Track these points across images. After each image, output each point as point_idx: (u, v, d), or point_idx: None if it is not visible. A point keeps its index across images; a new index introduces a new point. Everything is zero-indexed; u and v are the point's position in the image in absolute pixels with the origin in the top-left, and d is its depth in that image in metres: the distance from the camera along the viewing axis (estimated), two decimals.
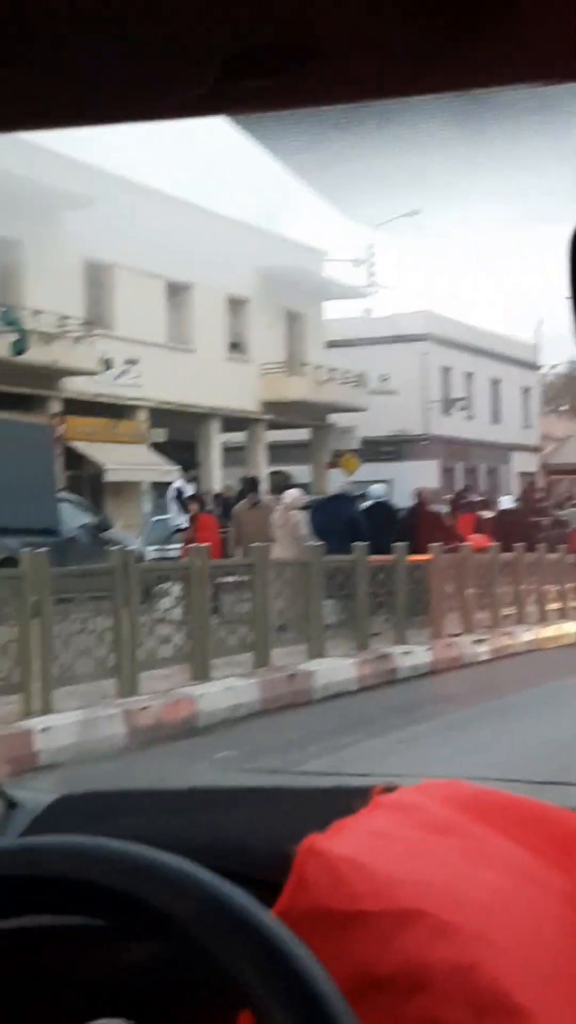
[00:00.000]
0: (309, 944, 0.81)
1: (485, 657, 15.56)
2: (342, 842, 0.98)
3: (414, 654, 14.46)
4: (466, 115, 0.84)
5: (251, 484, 25.69)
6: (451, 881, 0.95)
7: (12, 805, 1.36)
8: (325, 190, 0.96)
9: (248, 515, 15.61)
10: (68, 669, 10.06)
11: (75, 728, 9.21)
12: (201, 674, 11.41)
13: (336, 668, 12.88)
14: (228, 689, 11.19)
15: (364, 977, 0.90)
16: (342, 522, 16.09)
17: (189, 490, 16.62)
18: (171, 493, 17.58)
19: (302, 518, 16.25)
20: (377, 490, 18.79)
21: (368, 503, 17.88)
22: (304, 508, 16.64)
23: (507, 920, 0.93)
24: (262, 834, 1.14)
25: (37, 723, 9.08)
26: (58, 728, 9.05)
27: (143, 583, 10.98)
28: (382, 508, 18.37)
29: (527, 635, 17.21)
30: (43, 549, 9.98)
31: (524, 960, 0.90)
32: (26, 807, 1.35)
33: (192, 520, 15.64)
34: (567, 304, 0.85)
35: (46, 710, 9.50)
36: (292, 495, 17.04)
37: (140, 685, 10.64)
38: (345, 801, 1.06)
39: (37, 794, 1.39)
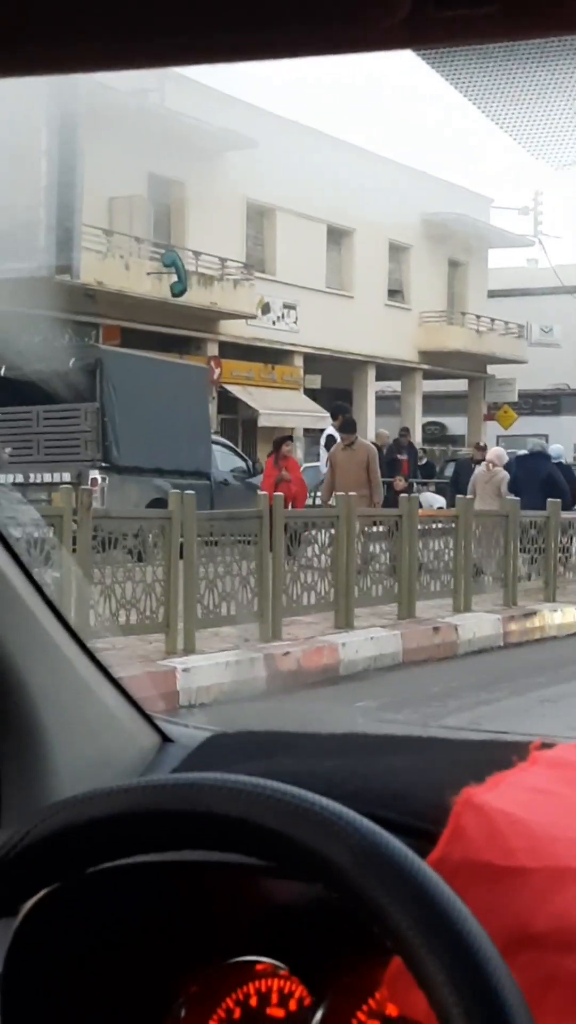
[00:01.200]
0: (463, 895, 0.81)
1: None
2: (500, 796, 0.97)
3: (561, 612, 14.17)
4: None
5: (404, 433, 25.55)
6: None
7: (167, 740, 1.37)
8: (512, 128, 0.91)
9: (343, 456, 15.31)
10: (212, 611, 10.08)
11: (217, 669, 9.23)
12: (344, 622, 11.34)
13: (482, 623, 12.69)
14: (371, 639, 11.09)
15: (518, 933, 0.89)
16: (540, 479, 16.94)
17: (339, 437, 16.44)
18: (322, 440, 17.46)
19: (505, 475, 16.89)
20: (558, 448, 19.44)
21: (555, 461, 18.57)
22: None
23: None
24: (418, 783, 1.11)
25: (179, 662, 9.12)
26: (200, 668, 9.08)
27: (289, 529, 10.91)
28: (565, 467, 18.95)
29: None
30: (191, 492, 9.97)
31: None
32: (180, 742, 1.36)
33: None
34: None
35: (189, 650, 9.54)
36: (496, 452, 17.74)
37: (283, 631, 10.62)
38: (503, 754, 1.05)
39: (191, 730, 1.39)
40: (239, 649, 9.90)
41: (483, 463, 17.63)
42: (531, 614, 13.79)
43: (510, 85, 0.84)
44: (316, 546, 11.67)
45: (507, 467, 17.36)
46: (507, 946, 0.83)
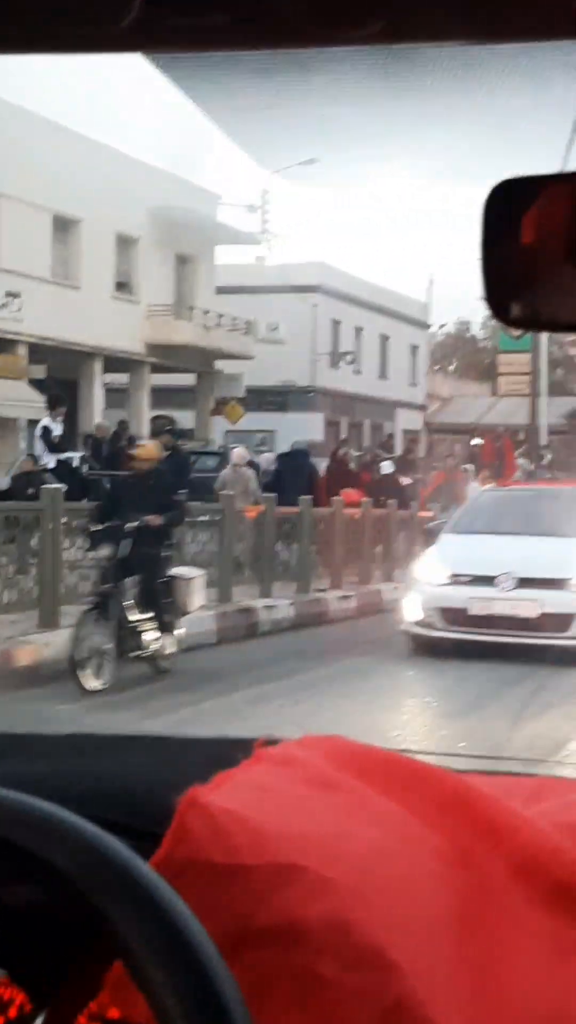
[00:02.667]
0: (186, 896, 0.81)
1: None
2: (224, 794, 0.98)
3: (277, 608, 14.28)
4: (388, 70, 0.83)
5: (123, 427, 25.30)
6: (329, 836, 0.96)
7: None
8: (236, 133, 1.08)
9: None
10: None
11: None
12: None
13: (198, 620, 12.61)
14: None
15: (241, 931, 0.90)
16: (303, 475, 18.00)
17: (57, 429, 16.07)
18: (37, 431, 17.01)
19: (252, 474, 17.64)
20: (301, 442, 20.27)
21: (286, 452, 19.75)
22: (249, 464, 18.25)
23: (383, 877, 0.94)
24: (143, 783, 1.12)
25: None
26: None
27: None
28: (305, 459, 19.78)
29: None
30: None
31: (399, 917, 0.91)
32: None
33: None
34: (477, 263, 0.87)
35: None
36: (239, 453, 18.50)
37: None
38: (228, 752, 1.06)
39: None
40: None
41: (229, 465, 18.35)
42: (245, 610, 13.83)
43: (235, 93, 0.86)
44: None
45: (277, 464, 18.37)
46: (230, 945, 0.84)
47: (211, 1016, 0.76)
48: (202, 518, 14.04)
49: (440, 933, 0.92)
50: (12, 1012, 1.13)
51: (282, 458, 19.19)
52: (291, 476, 17.73)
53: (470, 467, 25.28)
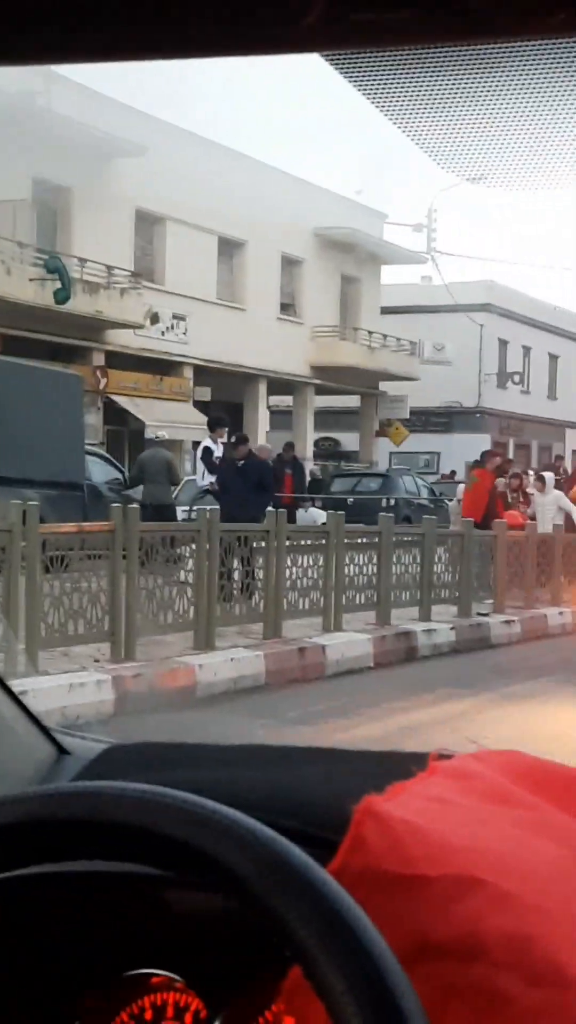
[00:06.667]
0: (364, 905, 0.80)
1: None
2: (400, 805, 0.97)
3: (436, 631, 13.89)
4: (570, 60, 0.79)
5: (288, 448, 25.19)
6: (508, 850, 0.94)
7: (63, 752, 1.35)
8: (416, 135, 0.91)
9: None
10: (57, 630, 9.59)
11: (59, 692, 8.73)
12: (205, 643, 10.90)
13: (352, 643, 12.33)
14: (231, 660, 10.67)
15: (419, 942, 0.89)
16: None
17: (217, 450, 15.98)
18: (198, 453, 16.96)
19: None
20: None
21: None
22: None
23: (563, 892, 0.92)
24: (319, 793, 1.13)
25: (16, 684, 8.59)
26: (40, 691, 8.56)
27: (145, 544, 10.42)
28: None
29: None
30: (34, 503, 9.41)
31: None
32: (76, 754, 1.34)
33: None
34: None
35: (31, 672, 9.03)
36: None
37: (138, 650, 10.15)
38: (402, 765, 1.05)
39: (88, 742, 1.37)
40: (87, 670, 9.39)
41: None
42: (404, 634, 13.47)
43: (419, 92, 0.83)
44: (176, 562, 11.21)
45: None
46: (407, 956, 0.82)
47: None
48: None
49: None
50: (187, 1018, 1.15)
51: None
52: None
53: None
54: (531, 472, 21.80)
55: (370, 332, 35.93)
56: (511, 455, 37.54)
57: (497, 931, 0.88)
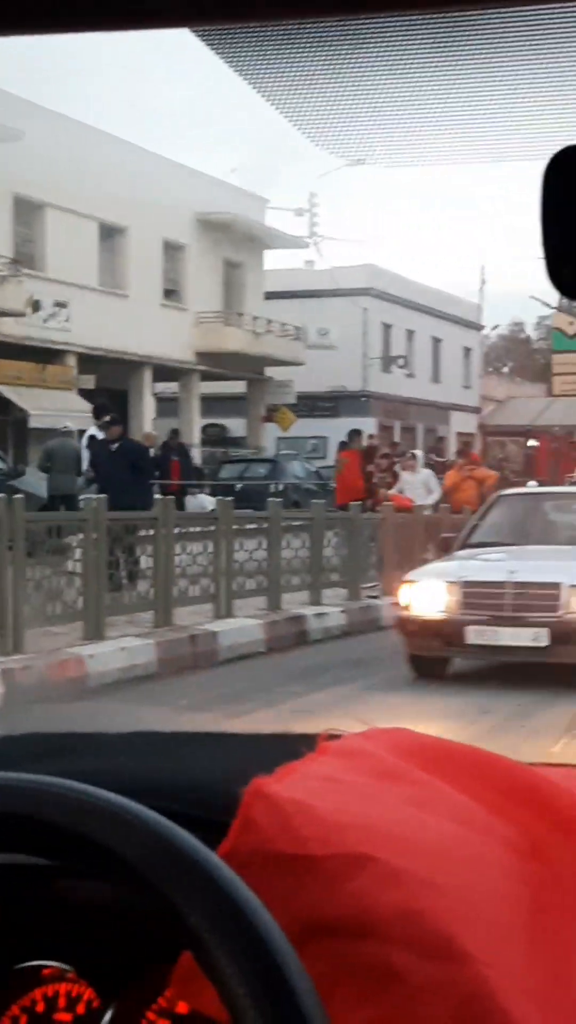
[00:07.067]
0: (254, 886, 0.80)
1: None
2: (289, 785, 0.97)
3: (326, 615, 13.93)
4: (445, 38, 0.79)
5: (174, 435, 25.06)
6: (398, 827, 0.94)
7: None
8: (288, 112, 0.90)
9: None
10: None
11: None
12: (95, 633, 10.78)
13: (244, 629, 12.29)
14: (122, 649, 10.56)
15: (311, 921, 0.89)
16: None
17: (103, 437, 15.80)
18: (83, 441, 16.75)
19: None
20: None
21: None
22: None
23: (453, 866, 0.92)
24: (208, 776, 1.13)
25: None
26: None
27: (33, 534, 10.26)
28: None
29: None
30: None
31: (469, 906, 0.90)
32: None
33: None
34: (538, 240, 0.88)
35: None
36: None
37: (26, 643, 10.00)
38: (292, 746, 1.05)
39: None
40: None
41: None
42: (295, 618, 13.48)
43: (294, 70, 0.82)
44: (63, 552, 11.05)
45: None
46: (298, 936, 0.83)
47: (283, 1006, 0.75)
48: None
49: (513, 924, 0.91)
50: (80, 1008, 1.14)
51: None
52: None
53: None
54: (414, 453, 21.80)
55: (255, 317, 35.86)
56: (397, 438, 37.81)
57: (388, 907, 0.88)
